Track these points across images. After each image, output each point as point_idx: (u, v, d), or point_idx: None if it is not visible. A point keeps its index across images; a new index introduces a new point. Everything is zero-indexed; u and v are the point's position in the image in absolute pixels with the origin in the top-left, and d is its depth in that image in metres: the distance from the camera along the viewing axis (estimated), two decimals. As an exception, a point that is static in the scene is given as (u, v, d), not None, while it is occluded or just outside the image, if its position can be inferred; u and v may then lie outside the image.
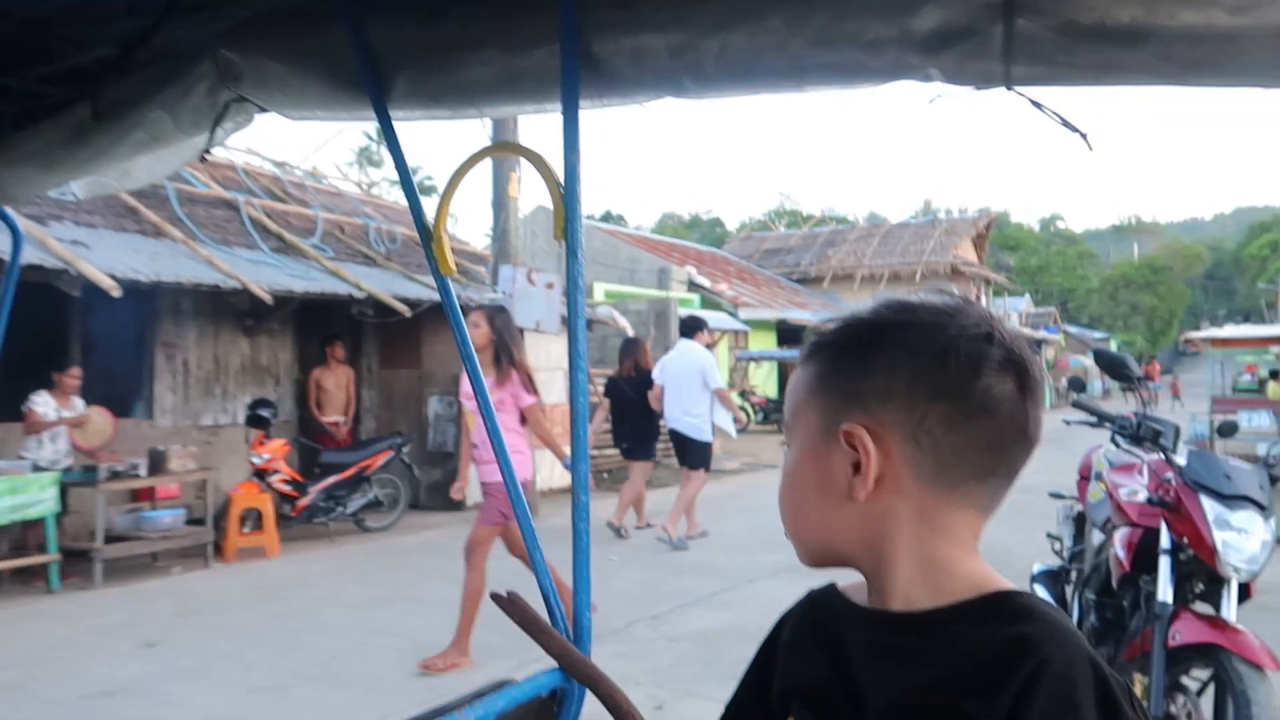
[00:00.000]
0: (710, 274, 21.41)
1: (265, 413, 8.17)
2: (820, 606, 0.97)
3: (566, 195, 1.00)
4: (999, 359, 0.86)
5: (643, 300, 16.52)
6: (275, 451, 8.23)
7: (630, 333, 13.66)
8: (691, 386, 8.28)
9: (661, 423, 8.82)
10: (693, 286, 19.62)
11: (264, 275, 8.59)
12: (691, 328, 8.61)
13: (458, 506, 10.32)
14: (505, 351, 5.20)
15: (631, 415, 8.73)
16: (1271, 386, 15.64)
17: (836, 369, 0.90)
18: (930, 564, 0.87)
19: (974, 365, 0.85)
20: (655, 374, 8.56)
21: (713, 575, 6.92)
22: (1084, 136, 0.92)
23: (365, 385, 11.01)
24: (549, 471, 11.47)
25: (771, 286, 24.96)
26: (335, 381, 9.83)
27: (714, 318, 17.82)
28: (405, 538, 8.82)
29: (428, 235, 1.11)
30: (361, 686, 4.63)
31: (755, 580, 6.61)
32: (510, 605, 0.94)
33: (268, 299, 8.22)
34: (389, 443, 9.05)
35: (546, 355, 10.75)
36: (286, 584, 7.03)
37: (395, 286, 9.72)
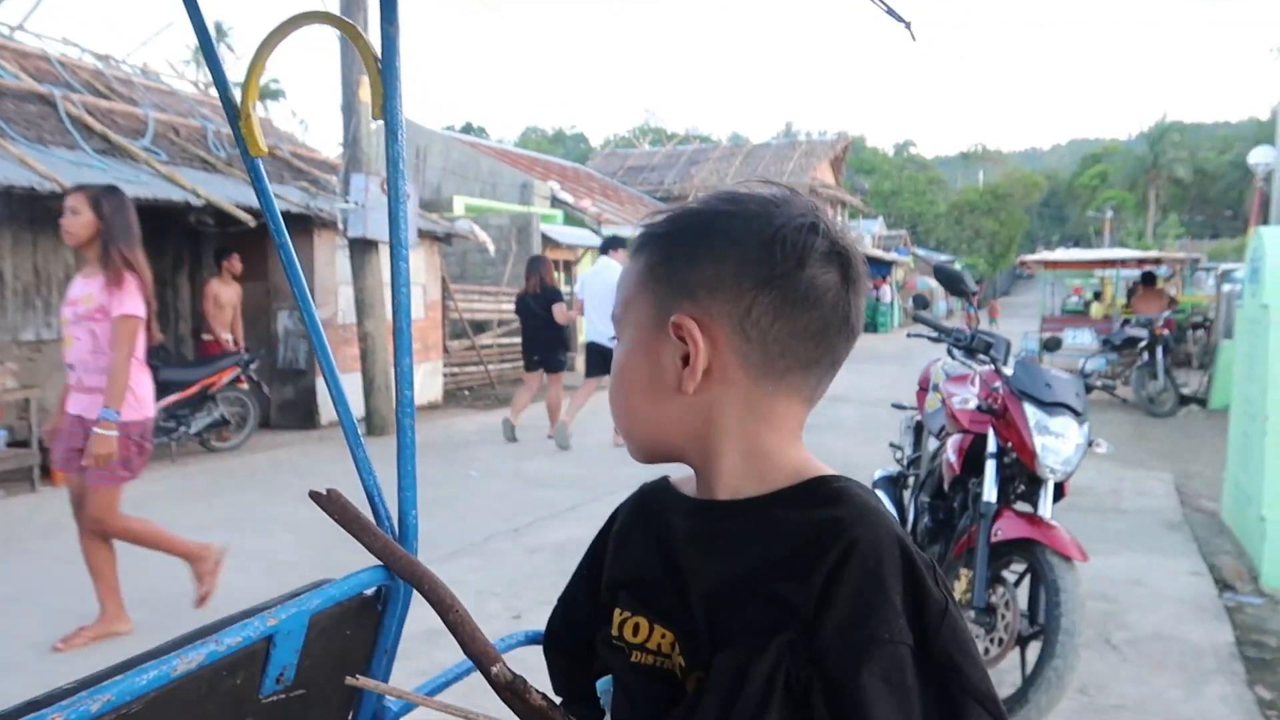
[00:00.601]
0: (573, 190, 21.12)
1: (93, 327, 7.60)
2: (651, 499, 0.98)
3: (385, 70, 0.93)
4: (824, 250, 0.86)
5: (504, 215, 16.19)
6: (106, 368, 7.70)
7: (491, 247, 13.39)
8: (611, 301, 8.49)
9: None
10: (555, 202, 19.33)
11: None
12: (609, 245, 9.00)
13: (311, 424, 10.04)
14: (114, 245, 3.96)
15: (538, 329, 9.18)
16: (1095, 307, 16.85)
17: (665, 260, 0.88)
18: (755, 454, 0.88)
19: (799, 255, 0.85)
20: (576, 288, 9.30)
21: (572, 488, 7.00)
22: (908, 26, 0.91)
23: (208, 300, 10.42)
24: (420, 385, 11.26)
25: (635, 204, 24.89)
26: (229, 297, 9.29)
27: (577, 234, 17.67)
28: (255, 456, 8.50)
29: (235, 113, 1.01)
30: (211, 608, 4.48)
31: (615, 492, 6.70)
32: (329, 503, 0.89)
33: (93, 204, 7.58)
34: (234, 360, 8.62)
35: (403, 269, 10.42)
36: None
37: (238, 194, 9.13)
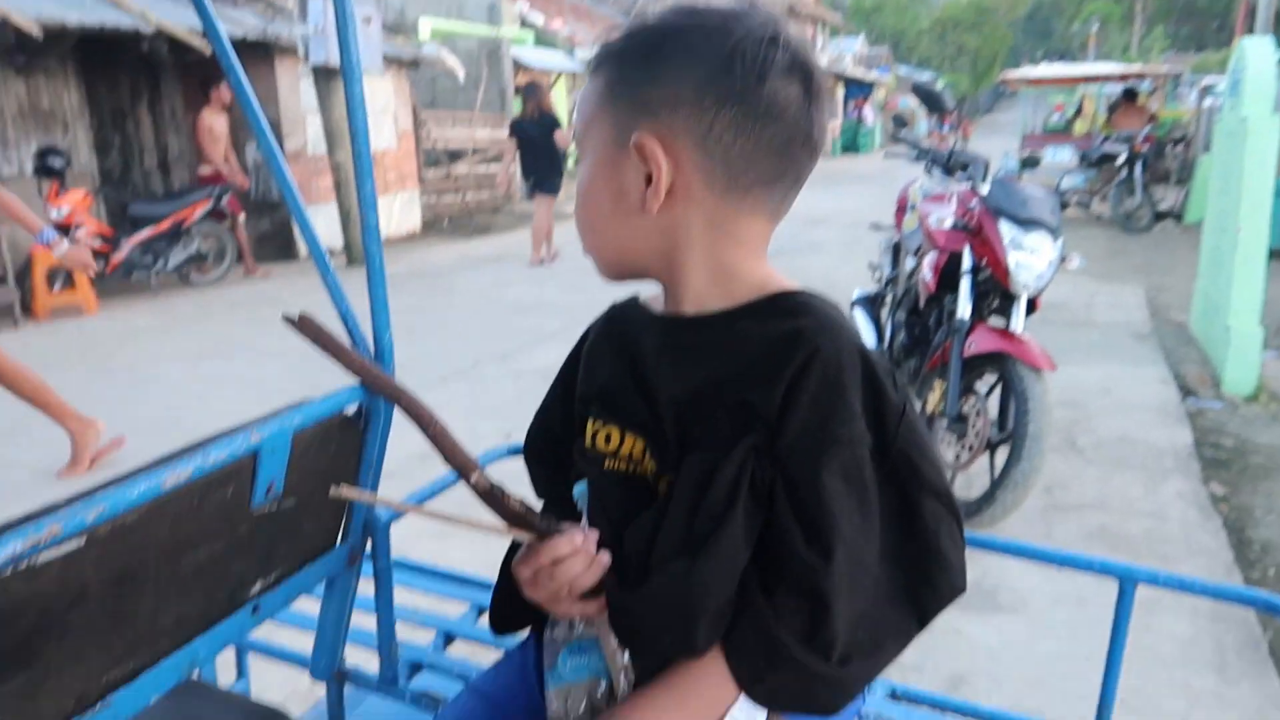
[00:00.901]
0: (544, 9, 20.09)
1: (55, 161, 7.36)
2: (620, 317, 1.00)
3: None
4: (785, 63, 0.84)
5: (472, 39, 15.45)
6: (75, 204, 7.52)
7: (460, 73, 12.86)
8: None
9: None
10: (525, 24, 18.42)
11: (28, 4, 7.46)
12: None
13: (290, 257, 9.94)
14: None
15: (536, 153, 9.40)
16: (1078, 123, 16.51)
17: (624, 78, 0.86)
18: (721, 270, 0.89)
19: (760, 69, 0.83)
20: (575, 115, 9.10)
21: (555, 314, 7.05)
22: None
23: (171, 132, 10.05)
24: (398, 215, 11.10)
25: (608, 24, 23.79)
26: (221, 128, 8.95)
27: (550, 58, 16.96)
28: (235, 290, 8.47)
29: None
30: (205, 432, 4.58)
31: (597, 315, 6.80)
32: (303, 326, 0.90)
33: (36, 32, 7.18)
34: (205, 192, 8.42)
35: (371, 97, 10.05)
36: (109, 340, 6.70)
37: (192, 19, 8.64)
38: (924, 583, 0.83)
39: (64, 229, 7.47)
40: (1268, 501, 3.65)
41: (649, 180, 0.85)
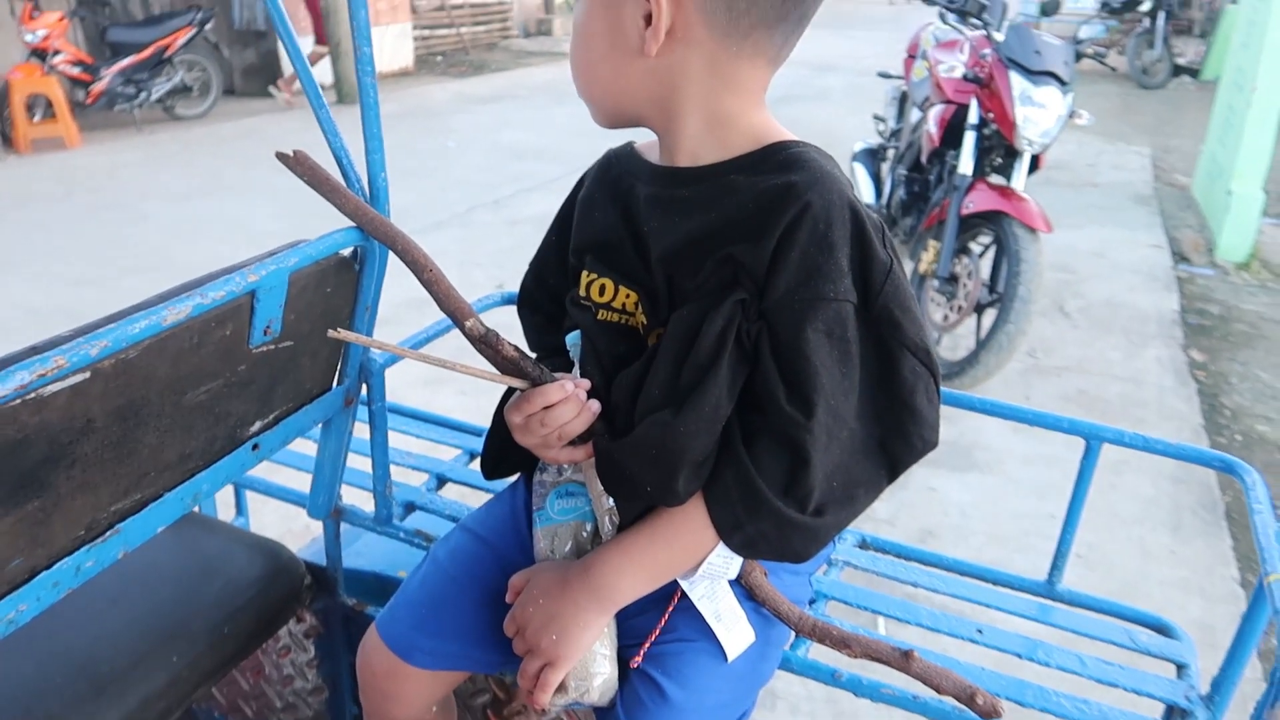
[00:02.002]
0: None
1: (28, -21, 7.03)
2: (615, 165, 0.99)
3: None
4: None
5: None
6: (51, 28, 7.22)
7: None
8: None
9: None
10: None
11: None
12: None
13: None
14: None
15: None
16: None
17: None
18: (717, 118, 0.88)
19: None
20: None
21: (553, 160, 6.92)
22: None
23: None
24: (389, 50, 10.69)
25: None
26: None
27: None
28: (222, 125, 8.25)
29: None
30: (197, 271, 4.58)
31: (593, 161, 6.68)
32: (297, 164, 0.89)
33: None
34: (188, 19, 8.05)
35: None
36: (95, 175, 6.58)
37: None
38: (898, 436, 0.85)
39: (40, 54, 7.21)
40: (1244, 369, 3.73)
41: (648, 20, 0.82)
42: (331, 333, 0.82)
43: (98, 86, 7.58)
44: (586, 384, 0.89)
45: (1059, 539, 1.24)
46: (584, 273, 0.94)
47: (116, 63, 7.68)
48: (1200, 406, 3.40)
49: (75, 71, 7.47)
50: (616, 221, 0.93)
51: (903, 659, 0.84)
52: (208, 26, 8.20)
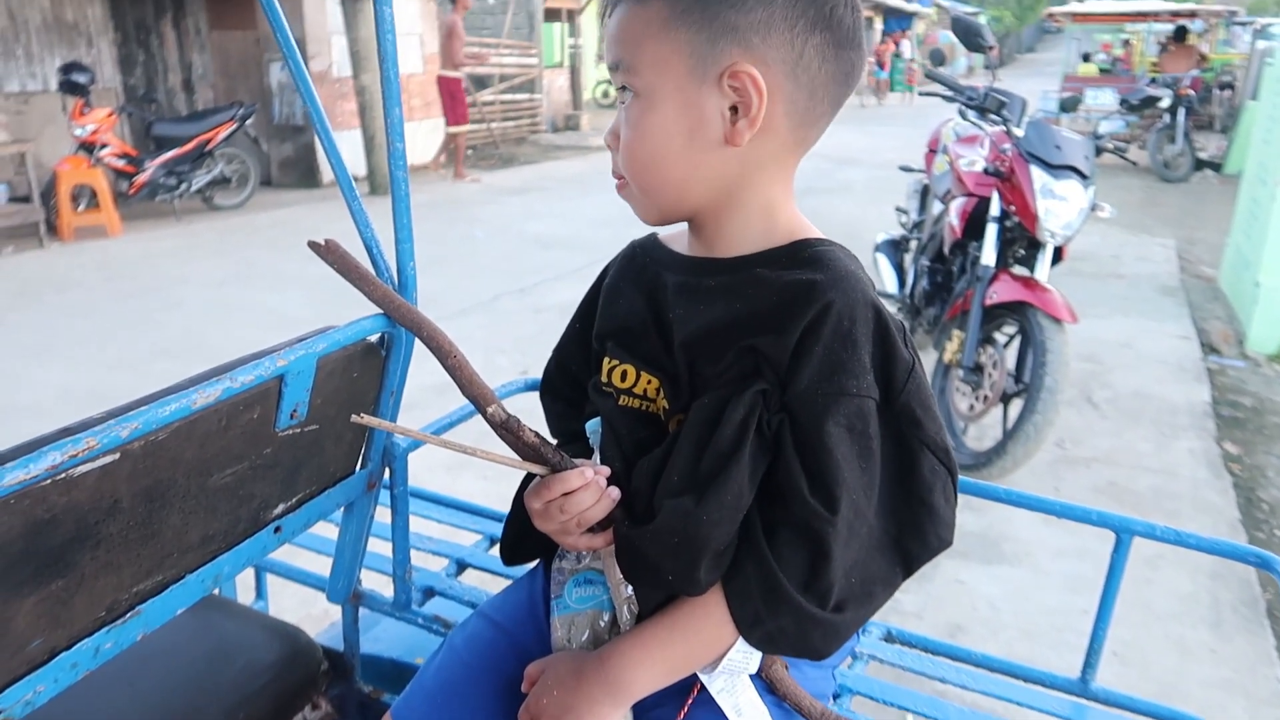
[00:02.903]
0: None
1: (80, 78, 7.35)
2: (641, 254, 1.00)
3: None
4: None
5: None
6: (100, 122, 7.53)
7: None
8: None
9: None
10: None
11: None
12: None
13: (313, 184, 9.94)
14: None
15: None
16: (1081, 67, 15.90)
17: (698, 2, 0.82)
18: (766, 209, 0.89)
19: None
20: None
21: (578, 250, 7.04)
22: None
23: (195, 50, 9.99)
24: (421, 143, 11.03)
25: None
26: (461, 29, 10.06)
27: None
28: (258, 215, 8.50)
29: None
30: (227, 359, 4.65)
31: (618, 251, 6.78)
32: (328, 252, 0.92)
33: (63, -58, 7.11)
34: (229, 114, 8.39)
35: (397, 19, 9.91)
36: (134, 262, 6.77)
37: (217, -68, 8.54)
38: (914, 534, 0.85)
39: (88, 147, 7.50)
40: (1281, 462, 3.65)
41: (733, 111, 0.83)
42: (355, 418, 0.83)
43: (141, 178, 7.85)
44: (606, 471, 0.89)
45: (1091, 635, 1.20)
46: (606, 359, 0.95)
47: (160, 155, 7.98)
48: (1237, 500, 3.33)
49: (120, 164, 7.75)
50: (641, 308, 0.94)
51: None
52: (249, 121, 8.52)
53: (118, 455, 0.78)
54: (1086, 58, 16.54)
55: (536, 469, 0.88)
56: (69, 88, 7.38)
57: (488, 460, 0.85)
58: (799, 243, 0.89)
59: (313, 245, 0.91)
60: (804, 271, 0.85)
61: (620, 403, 0.93)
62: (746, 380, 0.83)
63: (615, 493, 0.88)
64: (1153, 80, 11.51)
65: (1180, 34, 12.89)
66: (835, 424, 0.80)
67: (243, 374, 0.88)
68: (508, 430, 0.87)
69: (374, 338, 1.05)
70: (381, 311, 0.99)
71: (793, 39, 0.82)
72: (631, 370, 0.93)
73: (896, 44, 29.80)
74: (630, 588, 0.90)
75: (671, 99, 0.84)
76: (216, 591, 1.42)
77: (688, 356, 0.88)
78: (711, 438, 0.83)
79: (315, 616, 2.41)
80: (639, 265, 0.99)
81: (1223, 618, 2.62)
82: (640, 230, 1.05)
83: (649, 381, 0.92)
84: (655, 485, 0.86)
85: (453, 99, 10.25)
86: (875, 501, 0.83)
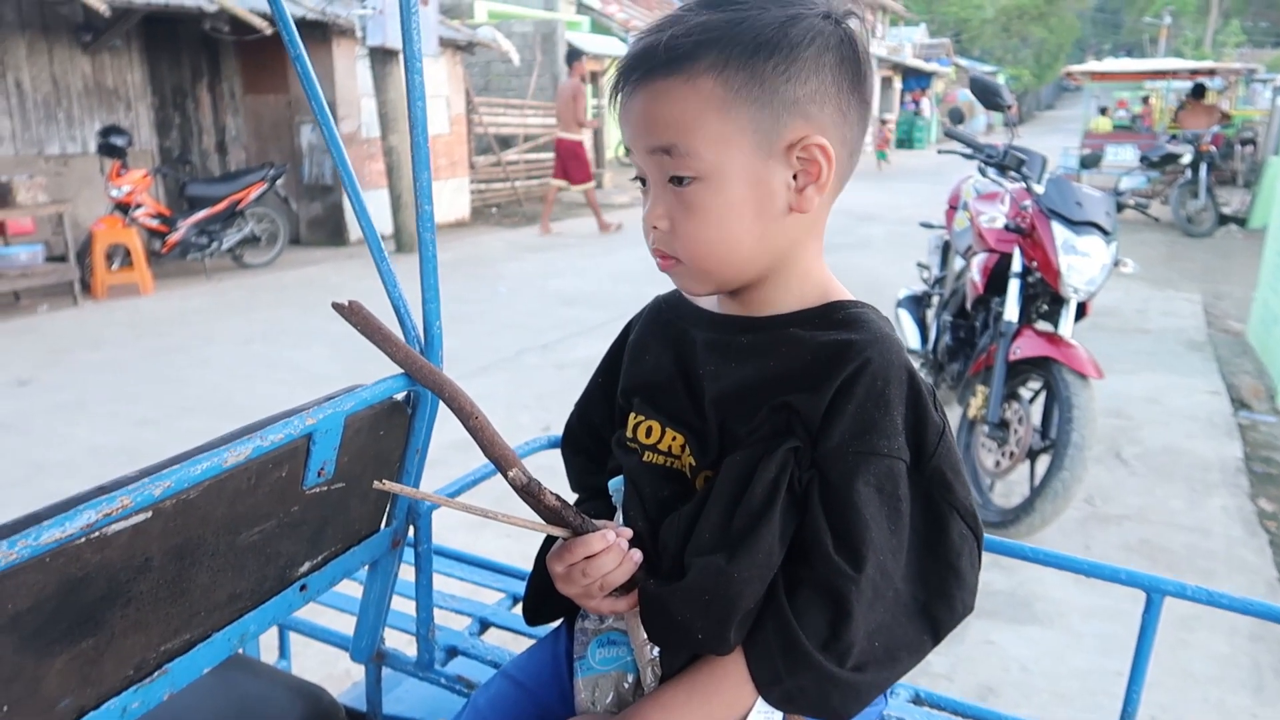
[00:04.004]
0: (600, -5, 20.09)
1: (118, 140, 7.57)
2: (667, 311, 1.01)
3: None
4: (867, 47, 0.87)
5: (528, 22, 15.53)
6: (136, 184, 7.73)
7: (515, 57, 12.94)
8: None
9: None
10: (581, 8, 18.46)
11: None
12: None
13: (341, 242, 10.11)
14: None
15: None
16: (1099, 121, 15.94)
17: (753, 78, 0.81)
18: (804, 270, 0.91)
19: (865, 54, 0.86)
20: None
21: (600, 306, 7.09)
22: None
23: (229, 113, 10.27)
24: (447, 202, 11.20)
25: (665, 8, 23.71)
26: (583, 94, 10.87)
27: (605, 43, 16.98)
28: (286, 273, 8.64)
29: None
30: (253, 416, 4.69)
31: (641, 308, 6.82)
32: (351, 314, 0.93)
33: (104, 9, 7.37)
34: (261, 174, 8.59)
35: (428, 81, 10.13)
36: (164, 320, 6.88)
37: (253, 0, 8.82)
38: (941, 600, 0.84)
39: (123, 207, 7.68)
40: (1317, 519, 3.58)
41: (793, 178, 0.85)
42: (377, 484, 0.84)
43: (173, 237, 8.02)
44: (628, 533, 0.89)
45: (1125, 698, 1.18)
46: (631, 415, 0.96)
47: (193, 215, 8.16)
48: (1273, 559, 3.25)
49: (154, 224, 7.93)
50: (668, 365, 0.94)
51: None
52: (279, 182, 8.72)
53: (150, 514, 0.79)
54: (1104, 111, 16.64)
55: (558, 532, 0.88)
56: (107, 150, 7.60)
57: (509, 524, 0.85)
58: (833, 304, 0.90)
59: (336, 307, 0.92)
60: (839, 332, 0.85)
61: (645, 459, 0.93)
62: (778, 438, 0.83)
63: (638, 556, 0.87)
64: (1173, 137, 11.55)
65: (1199, 91, 12.96)
66: (865, 483, 0.80)
67: (272, 433, 0.89)
68: (529, 494, 0.87)
69: (400, 396, 1.07)
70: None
71: (840, 103, 0.84)
72: (657, 426, 0.93)
73: (916, 102, 30.12)
74: (655, 650, 0.89)
75: (739, 178, 0.83)
76: (241, 650, 1.42)
77: (719, 413, 0.88)
78: (743, 495, 0.83)
79: (337, 676, 2.40)
80: (665, 321, 0.99)
81: (1264, 681, 2.55)
82: (661, 285, 1.06)
83: (674, 438, 0.92)
84: (684, 542, 0.86)
85: (576, 159, 10.69)
86: (903, 566, 0.83)
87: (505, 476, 0.88)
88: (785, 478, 0.82)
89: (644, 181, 0.89)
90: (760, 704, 0.85)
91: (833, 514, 0.81)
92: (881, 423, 0.81)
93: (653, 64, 0.83)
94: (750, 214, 0.84)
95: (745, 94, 0.81)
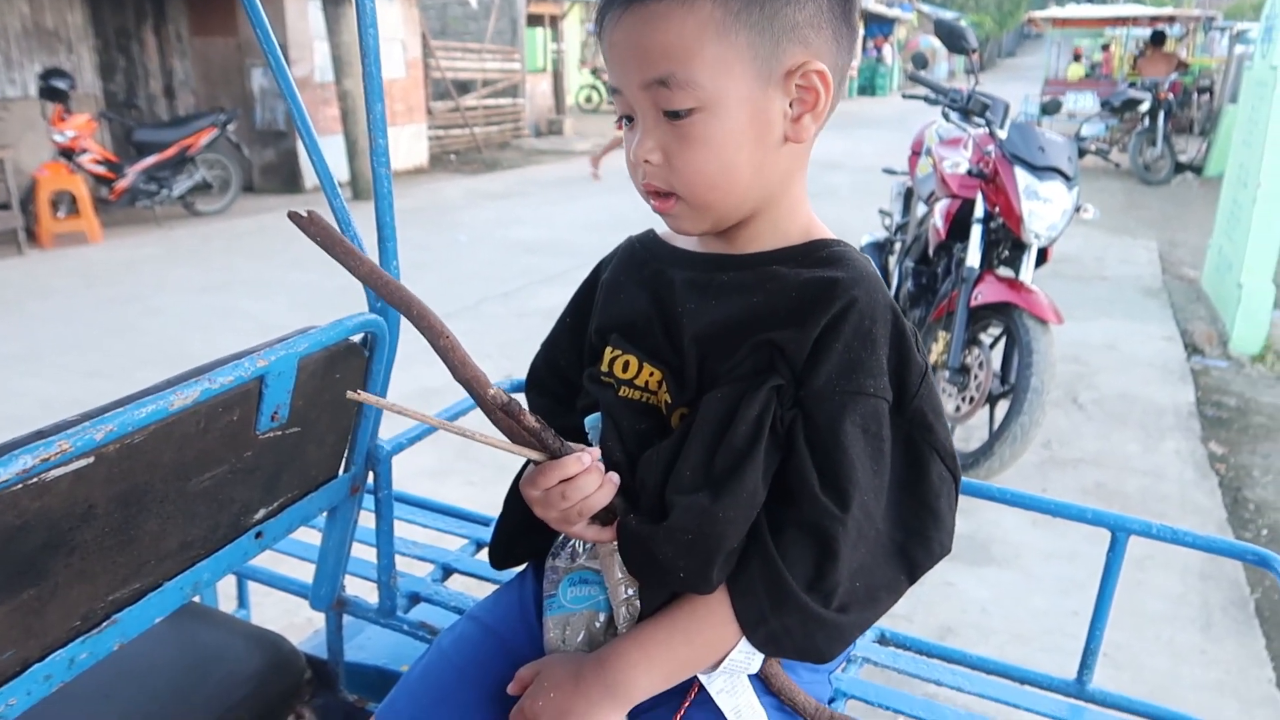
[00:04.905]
0: (560, -64, 19.62)
1: (60, 83, 7.28)
2: (642, 250, 0.99)
3: None
4: None
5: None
6: (80, 128, 7.47)
7: (473, 0, 12.64)
8: None
9: None
10: (541, -50, 18.02)
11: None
12: None
13: (296, 189, 9.88)
14: None
15: None
16: (1073, 68, 16.07)
17: (753, 3, 0.78)
18: (793, 205, 0.89)
19: None
20: None
21: (563, 255, 7.02)
22: None
23: (176, 55, 9.92)
24: (405, 148, 10.99)
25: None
26: None
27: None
28: (240, 221, 8.43)
29: None
30: (209, 360, 4.59)
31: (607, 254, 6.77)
32: (310, 224, 0.87)
33: (41, -53, 7.04)
34: (211, 119, 8.34)
35: (379, 24, 9.85)
36: (114, 269, 6.70)
37: (197, -63, 8.50)
38: (919, 541, 0.84)
39: (67, 153, 7.43)
40: (1266, 462, 3.67)
41: (790, 106, 0.83)
42: (350, 394, 0.79)
43: (121, 184, 7.78)
44: (599, 454, 0.87)
45: (1088, 635, 1.19)
46: (608, 349, 0.94)
47: (141, 161, 7.91)
48: (1223, 500, 3.34)
49: (100, 170, 7.68)
50: (645, 304, 0.93)
51: None
52: (230, 127, 8.46)
53: (92, 459, 0.76)
54: (1078, 57, 16.67)
55: (535, 455, 0.85)
56: (49, 94, 7.31)
57: (485, 444, 0.81)
58: (817, 242, 0.89)
59: (293, 216, 0.86)
60: (824, 269, 0.84)
61: (621, 394, 0.92)
62: (759, 375, 0.82)
63: (615, 477, 0.85)
64: (1132, 84, 11.60)
65: (1158, 38, 13.01)
66: (852, 423, 0.80)
67: (222, 375, 0.85)
68: (508, 414, 0.83)
69: (357, 337, 1.03)
70: (364, 311, 0.97)
71: (835, 29, 0.82)
72: (634, 361, 0.91)
73: (878, 49, 29.95)
74: (630, 588, 0.88)
75: (738, 106, 0.81)
76: (197, 600, 1.39)
77: (699, 350, 0.87)
78: (725, 434, 0.81)
79: (298, 624, 2.38)
80: (639, 261, 0.98)
81: (1213, 619, 2.62)
82: (626, 231, 1.03)
83: (651, 373, 0.91)
84: (663, 479, 0.84)
85: None
86: (883, 506, 0.82)
87: (481, 396, 0.83)
88: (768, 416, 0.81)
89: (628, 120, 0.86)
90: (742, 644, 0.84)
91: (819, 454, 0.80)
92: (868, 362, 0.80)
93: None
94: (749, 144, 0.82)
95: (744, 17, 0.78)
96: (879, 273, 0.87)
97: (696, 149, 0.82)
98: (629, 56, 0.81)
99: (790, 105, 0.83)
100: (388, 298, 0.84)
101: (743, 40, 0.79)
